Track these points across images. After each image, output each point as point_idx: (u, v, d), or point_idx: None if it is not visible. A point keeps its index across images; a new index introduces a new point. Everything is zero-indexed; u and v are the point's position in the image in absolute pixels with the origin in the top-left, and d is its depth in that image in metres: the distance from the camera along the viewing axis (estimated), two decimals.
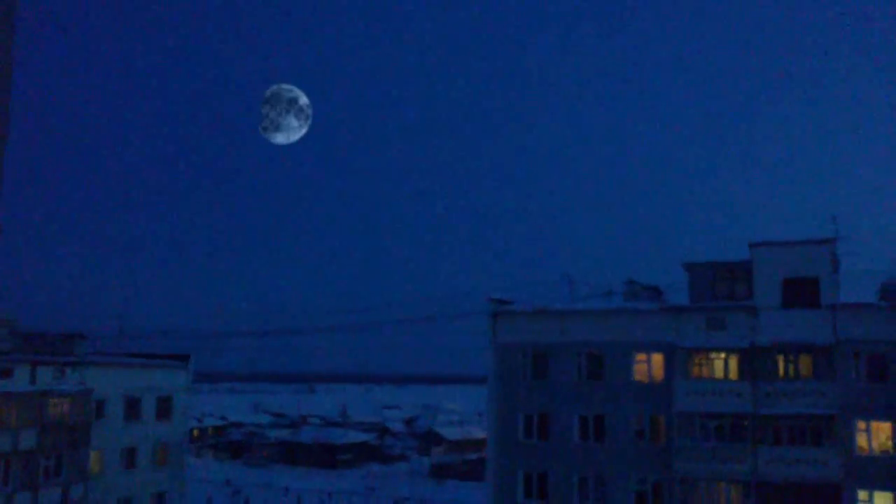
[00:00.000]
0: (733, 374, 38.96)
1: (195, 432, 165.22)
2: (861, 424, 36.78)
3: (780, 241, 38.87)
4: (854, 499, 36.32)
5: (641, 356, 40.46)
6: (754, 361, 38.42)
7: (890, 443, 36.47)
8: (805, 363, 38.14)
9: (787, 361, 38.36)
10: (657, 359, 40.22)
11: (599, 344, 41.10)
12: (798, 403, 37.08)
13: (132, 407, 53.65)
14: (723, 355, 39.23)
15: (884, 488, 36.08)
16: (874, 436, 36.70)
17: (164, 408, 56.06)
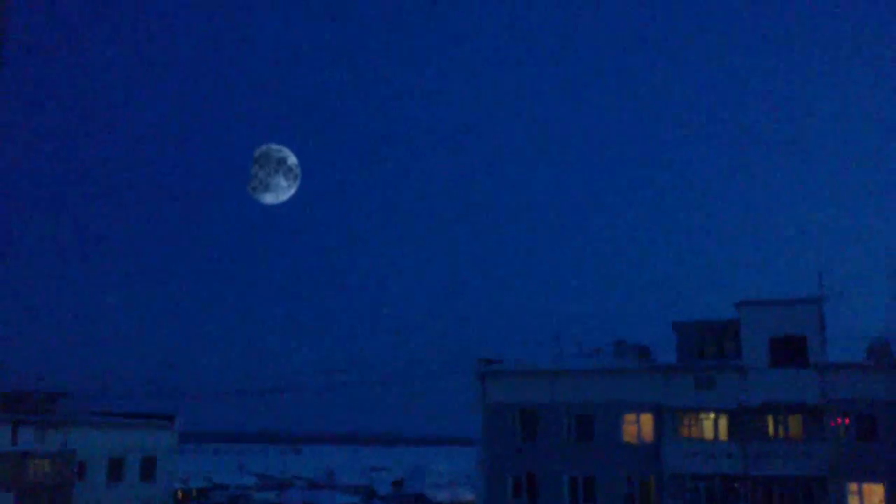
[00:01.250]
0: (723, 434, 38.72)
1: (179, 494, 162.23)
2: (853, 487, 36.50)
3: (767, 300, 39.01)
4: None
5: (631, 417, 40.22)
6: (744, 421, 38.22)
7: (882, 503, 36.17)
8: (795, 423, 37.97)
9: (776, 421, 38.18)
10: (646, 419, 39.97)
11: (589, 404, 40.85)
12: (789, 465, 36.82)
13: (116, 468, 52.70)
14: (712, 415, 39.04)
15: None
16: (866, 499, 36.38)
17: (149, 469, 55.08)
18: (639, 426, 40.06)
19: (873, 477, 36.24)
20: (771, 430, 38.13)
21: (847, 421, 37.04)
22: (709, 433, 39.07)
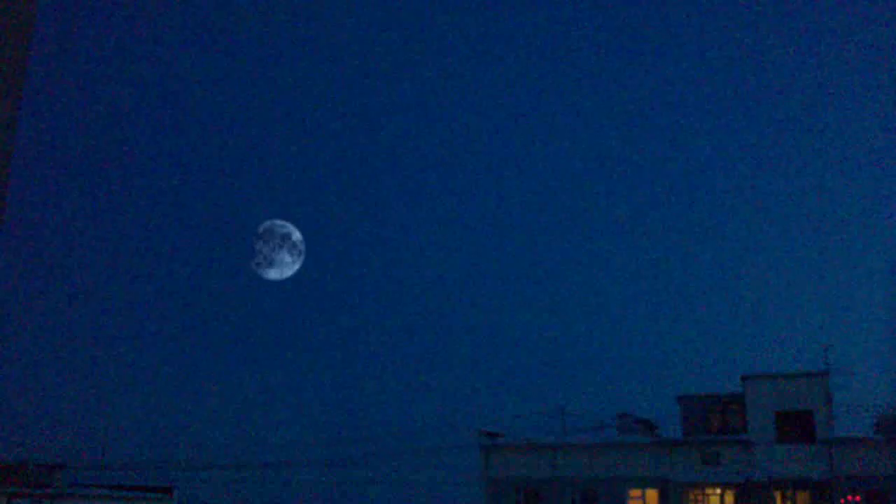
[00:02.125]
0: None
1: None
2: None
3: (773, 375, 38.74)
4: None
5: (636, 492, 39.55)
6: (750, 497, 37.56)
7: None
8: (802, 499, 37.29)
9: (784, 497, 37.51)
10: (651, 495, 39.30)
11: (593, 479, 40.22)
12: None
13: None
14: (718, 491, 38.39)
15: None
16: None
17: None
18: (644, 502, 39.36)
19: None
20: None
21: (857, 498, 36.37)
22: None
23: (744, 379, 38.96)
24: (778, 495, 37.50)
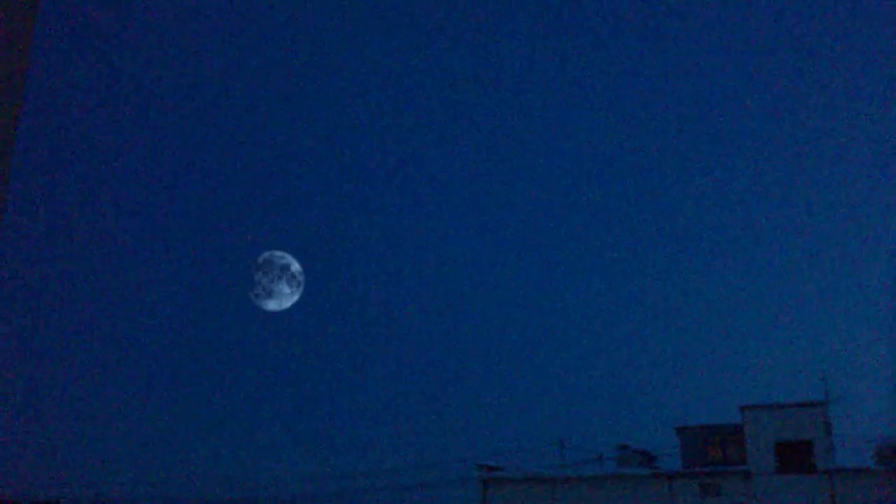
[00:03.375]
0: None
1: None
2: None
3: (772, 405, 38.62)
4: None
5: None
6: None
7: None
8: None
9: None
10: None
11: None
12: None
13: None
14: None
15: None
16: None
17: None
18: None
19: None
20: None
21: None
22: None
23: (742, 409, 38.83)
24: None
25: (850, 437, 38.81)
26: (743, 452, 38.59)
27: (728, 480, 38.05)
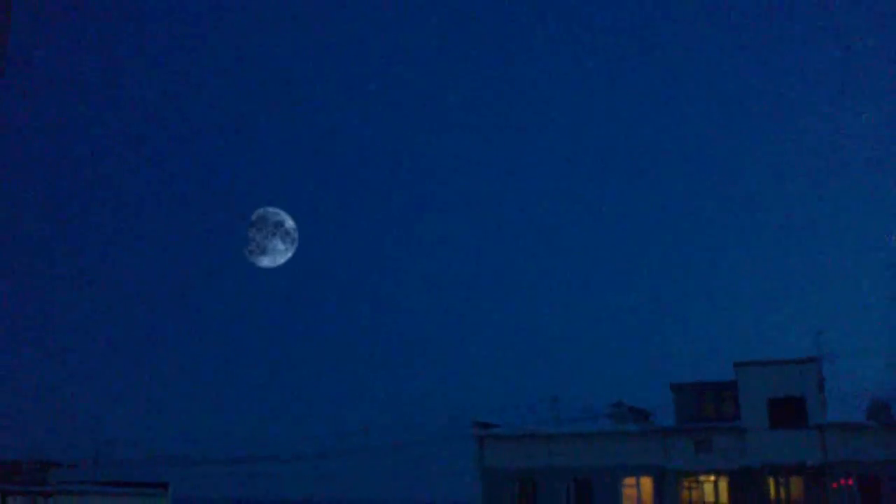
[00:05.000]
0: (724, 496, 38.20)
1: None
2: None
3: (765, 361, 38.84)
4: None
5: (630, 480, 39.69)
6: (745, 483, 37.73)
7: None
8: (796, 484, 37.46)
9: (777, 483, 37.68)
10: (646, 483, 39.45)
11: (587, 468, 40.33)
12: None
13: None
14: (712, 478, 38.55)
15: None
16: None
17: None
18: (638, 490, 39.51)
19: None
20: (772, 492, 37.59)
21: (850, 482, 36.56)
22: (709, 496, 38.53)
23: (736, 366, 39.06)
24: (771, 481, 37.66)
25: (843, 392, 39.13)
26: (737, 409, 38.91)
27: (721, 436, 38.42)
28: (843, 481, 36.63)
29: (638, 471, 39.52)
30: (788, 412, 37.85)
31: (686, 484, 38.90)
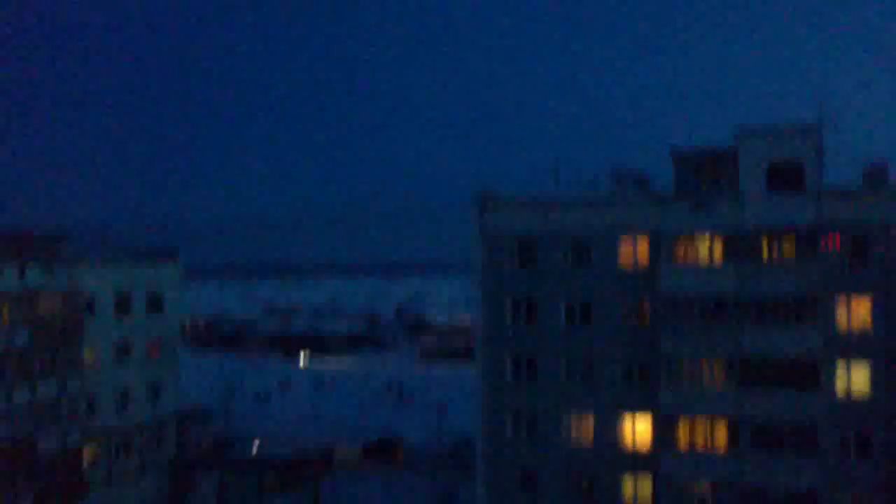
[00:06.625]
0: (718, 257, 39.42)
1: (187, 326, 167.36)
2: (841, 300, 37.65)
3: (766, 127, 38.66)
4: (832, 369, 37.56)
5: (627, 242, 40.75)
6: (739, 245, 38.82)
7: (869, 318, 37.43)
8: (789, 245, 38.55)
9: (770, 244, 38.73)
10: (642, 244, 40.55)
11: (586, 232, 41.35)
12: (781, 283, 37.74)
13: (123, 302, 54.14)
14: (707, 239, 39.57)
15: (860, 360, 37.37)
16: (853, 312, 37.62)
17: (155, 302, 56.61)
18: (635, 251, 40.69)
19: (862, 291, 37.32)
20: (765, 252, 38.74)
21: (839, 241, 37.63)
22: (704, 256, 39.71)
23: (737, 133, 38.94)
24: (765, 242, 38.70)
25: (843, 158, 39.31)
26: (736, 175, 39.23)
27: (719, 200, 39.01)
28: (832, 242, 37.66)
29: (634, 231, 40.53)
30: (786, 177, 38.18)
31: (682, 244, 39.95)
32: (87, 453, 51.15)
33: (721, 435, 39.20)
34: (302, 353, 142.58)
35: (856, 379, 37.52)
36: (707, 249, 39.64)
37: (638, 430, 40.73)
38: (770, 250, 38.72)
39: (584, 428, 41.58)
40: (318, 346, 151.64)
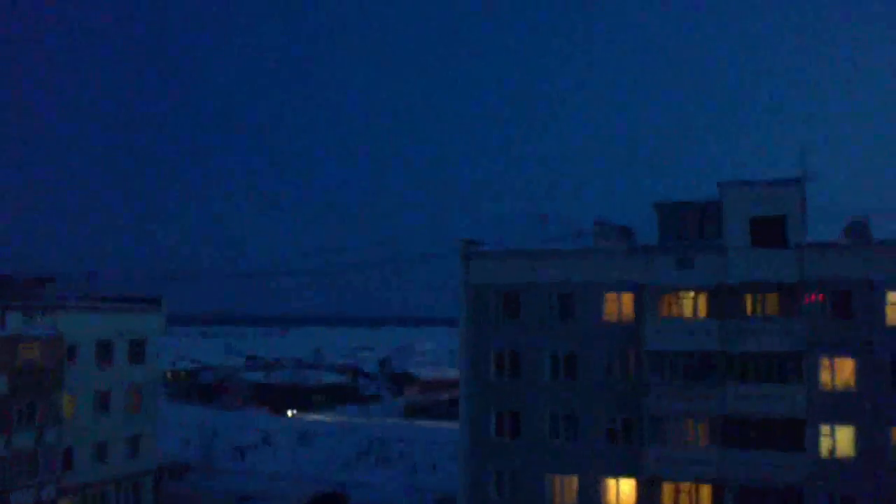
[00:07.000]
0: (702, 312, 39.47)
1: (168, 375, 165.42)
2: (825, 361, 37.52)
3: (749, 181, 39.08)
4: (816, 433, 37.28)
5: (612, 295, 40.84)
6: (723, 300, 38.91)
7: (853, 378, 37.27)
8: (772, 302, 38.69)
9: (755, 300, 38.86)
10: (627, 298, 40.62)
11: (570, 284, 41.41)
12: (765, 341, 37.73)
13: (104, 351, 53.49)
14: (692, 294, 39.70)
15: (845, 422, 37.06)
16: (838, 372, 37.47)
17: (137, 351, 55.95)
18: (619, 305, 40.74)
19: (846, 352, 37.24)
20: (749, 307, 38.84)
21: (821, 297, 37.74)
22: (688, 312, 39.79)
23: (720, 186, 39.34)
24: (749, 297, 38.83)
25: (825, 212, 39.70)
26: (719, 228, 39.51)
27: (703, 254, 39.23)
28: (813, 297, 37.79)
29: (620, 286, 40.60)
30: (770, 232, 38.46)
31: (666, 300, 40.08)
32: None
33: (706, 499, 38.81)
34: (285, 407, 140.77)
35: (840, 438, 37.24)
36: (692, 304, 39.74)
37: (622, 492, 40.25)
38: (755, 306, 38.82)
39: (567, 491, 41.02)
40: (301, 398, 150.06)
